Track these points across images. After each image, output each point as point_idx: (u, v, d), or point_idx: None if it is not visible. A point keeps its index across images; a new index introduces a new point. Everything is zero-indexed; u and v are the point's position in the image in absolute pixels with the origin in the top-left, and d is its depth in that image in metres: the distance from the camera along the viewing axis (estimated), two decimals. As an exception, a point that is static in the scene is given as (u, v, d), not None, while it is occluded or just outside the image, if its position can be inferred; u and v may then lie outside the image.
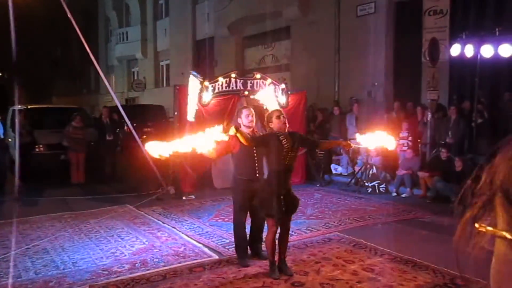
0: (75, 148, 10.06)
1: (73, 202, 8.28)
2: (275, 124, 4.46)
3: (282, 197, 4.46)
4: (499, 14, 9.53)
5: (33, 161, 9.72)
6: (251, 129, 4.81)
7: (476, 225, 0.87)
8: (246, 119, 4.75)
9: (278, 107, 7.94)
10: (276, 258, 4.63)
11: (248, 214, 5.01)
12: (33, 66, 27.25)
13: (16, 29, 6.43)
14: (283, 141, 4.39)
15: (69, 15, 8.37)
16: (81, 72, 33.08)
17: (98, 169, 10.70)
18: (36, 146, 10.24)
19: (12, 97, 9.52)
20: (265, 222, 4.77)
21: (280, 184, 4.45)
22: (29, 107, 12.08)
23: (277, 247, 4.65)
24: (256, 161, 4.84)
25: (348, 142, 5.47)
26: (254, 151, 4.79)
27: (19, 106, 10.27)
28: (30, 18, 22.19)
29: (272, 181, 4.45)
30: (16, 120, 8.82)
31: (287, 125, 4.50)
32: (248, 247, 5.05)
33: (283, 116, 4.49)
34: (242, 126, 4.73)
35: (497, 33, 7.91)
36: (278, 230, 4.59)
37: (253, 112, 4.82)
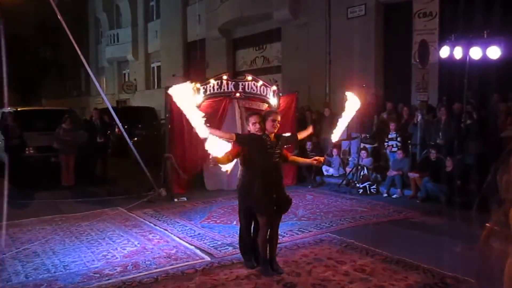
0: (66, 150, 9.96)
1: (63, 205, 8.21)
2: (267, 124, 4.59)
3: (274, 196, 4.52)
4: (487, 17, 9.67)
5: (23, 164, 9.62)
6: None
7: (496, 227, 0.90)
8: (253, 126, 4.63)
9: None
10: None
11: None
12: (22, 68, 26.99)
13: (4, 31, 6.36)
14: (266, 139, 4.55)
15: (59, 16, 8.32)
16: (71, 74, 32.83)
17: (89, 171, 10.64)
18: (26, 149, 10.14)
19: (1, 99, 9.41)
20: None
21: (272, 183, 4.53)
22: (18, 109, 11.98)
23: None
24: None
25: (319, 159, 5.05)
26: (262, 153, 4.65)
27: (9, 108, 10.17)
28: (19, 19, 22.01)
29: (263, 179, 4.49)
30: (6, 123, 8.73)
31: (276, 129, 4.62)
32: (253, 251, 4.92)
33: (278, 122, 4.62)
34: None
35: (485, 35, 8.01)
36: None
37: (261, 119, 4.61)
